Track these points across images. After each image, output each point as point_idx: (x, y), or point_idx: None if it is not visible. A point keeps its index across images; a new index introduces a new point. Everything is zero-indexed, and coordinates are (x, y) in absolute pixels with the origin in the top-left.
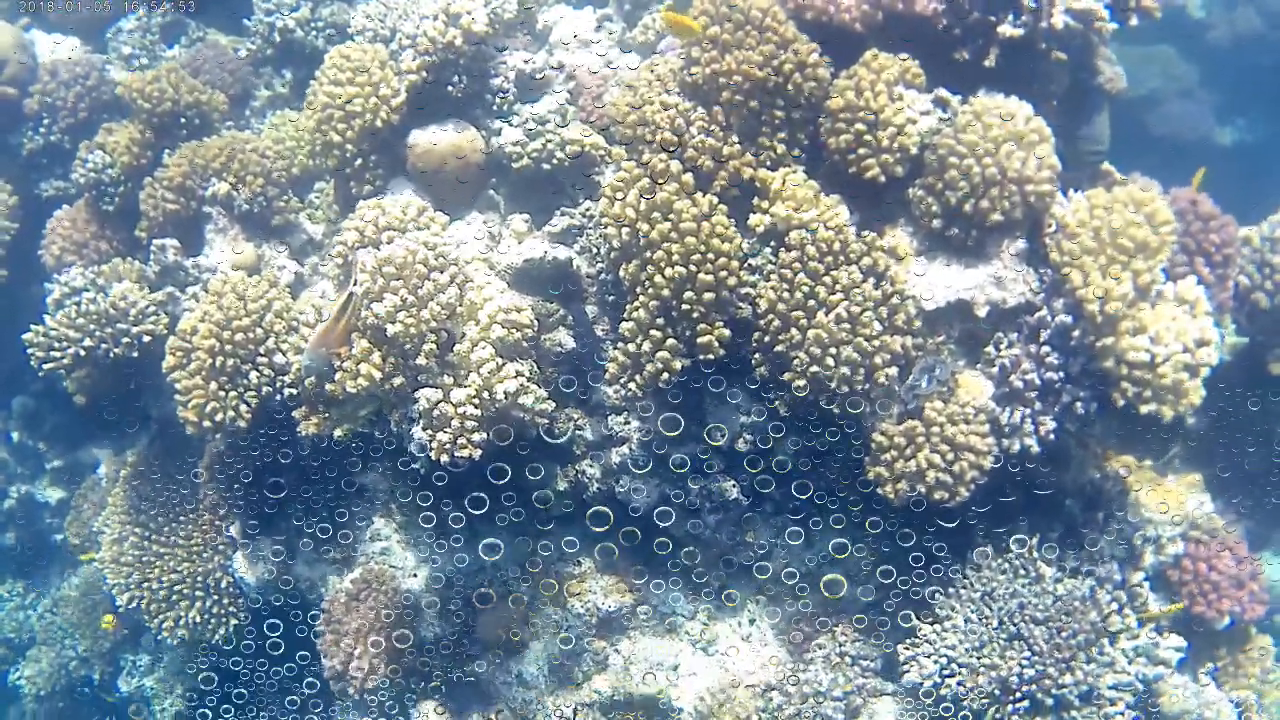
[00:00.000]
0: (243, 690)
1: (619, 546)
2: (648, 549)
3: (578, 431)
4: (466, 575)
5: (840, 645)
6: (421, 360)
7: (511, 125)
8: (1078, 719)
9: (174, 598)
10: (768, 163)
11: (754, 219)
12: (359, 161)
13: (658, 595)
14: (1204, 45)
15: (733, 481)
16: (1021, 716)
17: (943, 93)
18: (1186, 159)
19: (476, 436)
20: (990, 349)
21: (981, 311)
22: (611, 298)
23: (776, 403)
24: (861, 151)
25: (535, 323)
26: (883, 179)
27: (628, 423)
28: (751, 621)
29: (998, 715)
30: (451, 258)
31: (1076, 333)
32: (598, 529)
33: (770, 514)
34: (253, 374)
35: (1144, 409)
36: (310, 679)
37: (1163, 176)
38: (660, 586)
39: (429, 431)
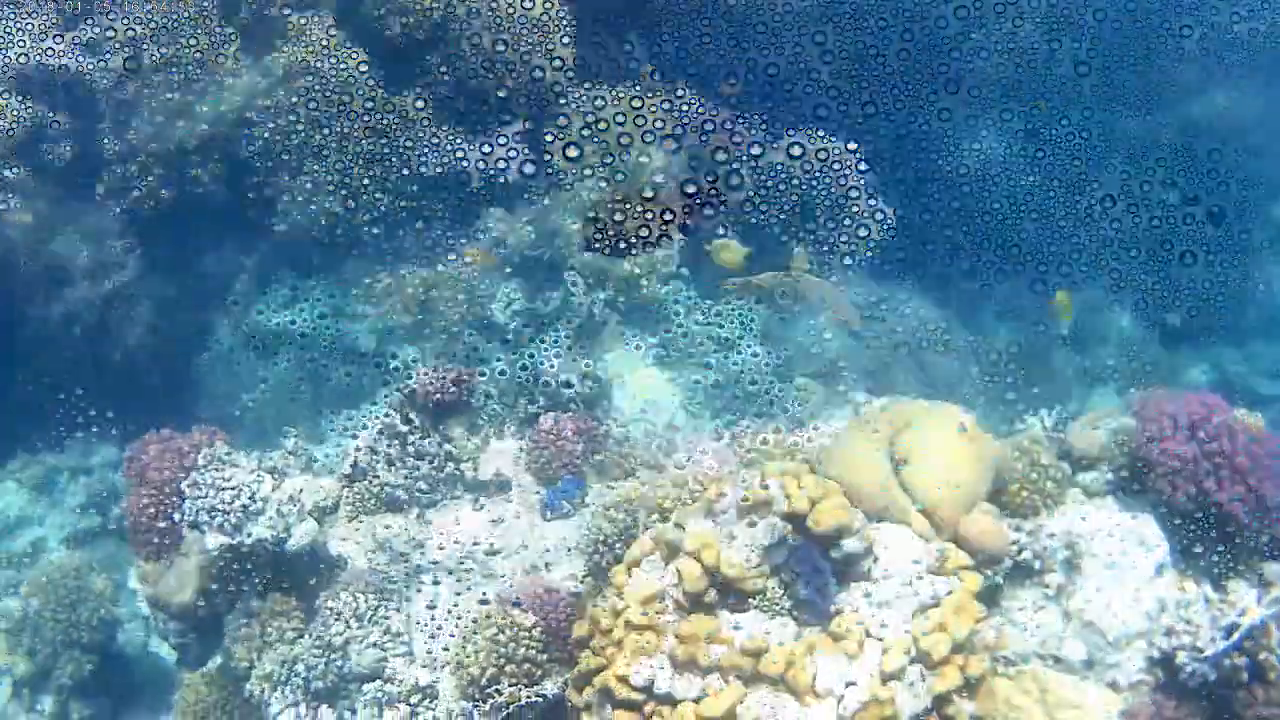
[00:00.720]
0: None
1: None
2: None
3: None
4: None
5: None
6: None
7: None
8: None
9: None
10: (297, 5)
11: (271, 58)
12: None
13: None
14: None
15: (226, 320)
16: None
17: None
18: None
19: None
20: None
21: (475, 184)
22: (123, 117)
23: (264, 245)
24: (387, 8)
25: (28, 132)
26: (401, 42)
27: (126, 252)
28: None
29: None
30: None
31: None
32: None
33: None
34: None
35: None
36: None
37: None
38: None
39: None
